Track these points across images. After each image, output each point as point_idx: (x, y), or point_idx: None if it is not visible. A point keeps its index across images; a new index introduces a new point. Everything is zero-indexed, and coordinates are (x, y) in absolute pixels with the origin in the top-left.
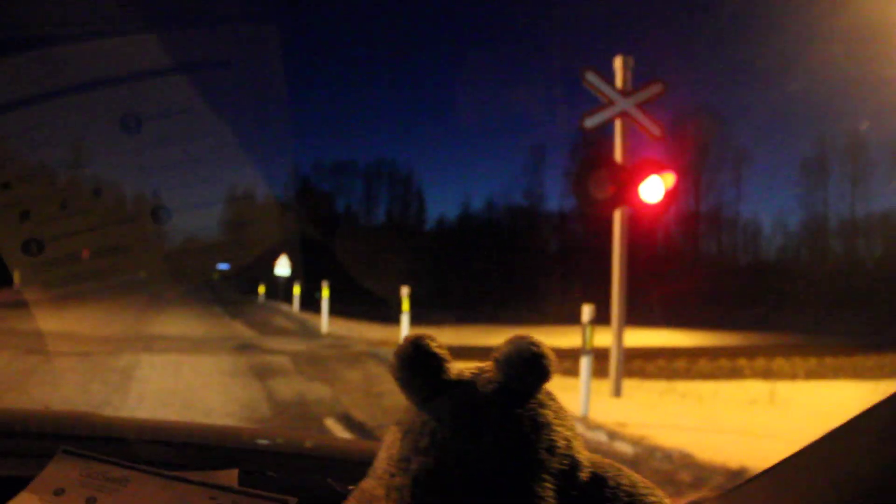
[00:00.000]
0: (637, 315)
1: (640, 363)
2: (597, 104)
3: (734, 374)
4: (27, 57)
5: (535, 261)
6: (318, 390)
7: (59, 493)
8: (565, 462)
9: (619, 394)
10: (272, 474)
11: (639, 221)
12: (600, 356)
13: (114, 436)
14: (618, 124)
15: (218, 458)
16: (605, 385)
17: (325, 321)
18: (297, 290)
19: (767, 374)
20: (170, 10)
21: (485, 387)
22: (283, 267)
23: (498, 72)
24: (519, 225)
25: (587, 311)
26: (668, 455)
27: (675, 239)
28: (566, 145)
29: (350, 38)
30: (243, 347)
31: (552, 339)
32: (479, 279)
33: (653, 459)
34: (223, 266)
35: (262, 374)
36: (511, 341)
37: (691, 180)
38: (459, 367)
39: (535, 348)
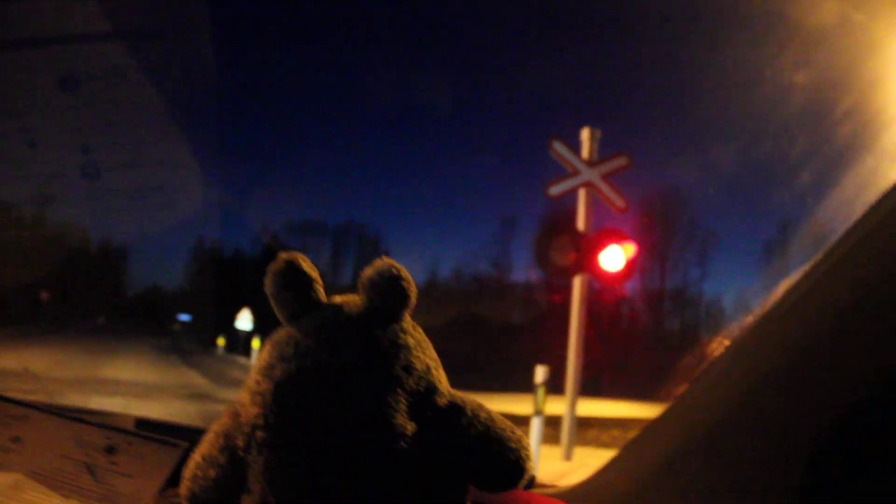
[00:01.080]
0: (595, 385)
1: (595, 432)
2: (564, 173)
3: None
4: None
5: (500, 328)
6: None
7: None
8: (422, 385)
9: (569, 458)
10: (166, 421)
11: (601, 293)
12: (554, 424)
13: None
14: (582, 194)
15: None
16: (557, 450)
17: None
18: (256, 343)
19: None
20: None
21: (350, 308)
22: (244, 321)
23: (470, 140)
24: (484, 294)
25: (540, 372)
26: None
27: (638, 314)
28: (535, 217)
29: (326, 99)
30: (195, 396)
31: (512, 405)
32: (442, 344)
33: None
34: (184, 317)
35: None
36: (373, 265)
37: (657, 257)
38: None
39: (394, 270)
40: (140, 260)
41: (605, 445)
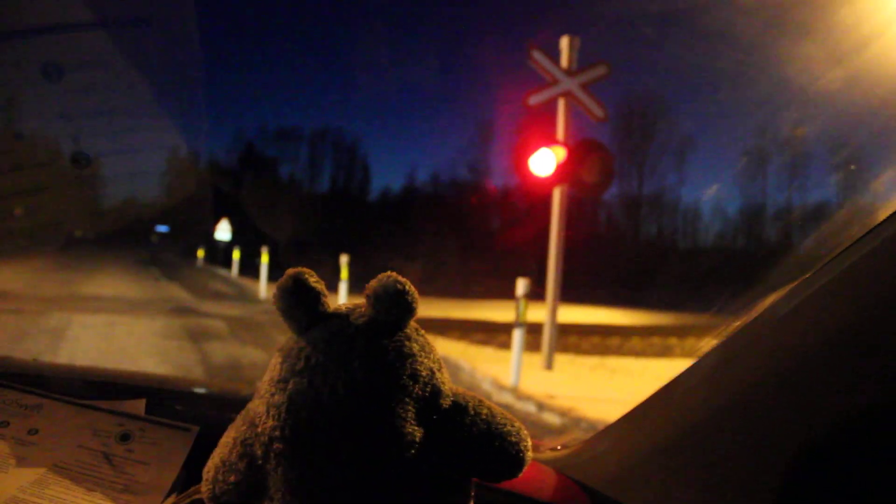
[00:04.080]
0: (575, 293)
1: (575, 339)
2: (543, 83)
3: (665, 351)
4: None
5: (479, 235)
6: (252, 355)
7: None
8: (427, 389)
9: (550, 367)
10: (179, 408)
11: (580, 201)
12: (536, 331)
13: (30, 373)
14: (561, 103)
15: (129, 393)
16: (538, 358)
17: (263, 287)
18: (236, 254)
19: (696, 352)
20: None
21: (357, 319)
22: (223, 231)
23: (448, 47)
24: (463, 199)
25: (521, 285)
26: (592, 425)
27: (616, 221)
28: (513, 121)
29: (300, 3)
30: (179, 310)
31: (490, 313)
32: (421, 251)
33: (577, 429)
34: (162, 228)
35: (198, 337)
36: (379, 279)
37: (634, 164)
38: (337, 302)
39: (398, 285)
40: (114, 171)
41: (586, 353)
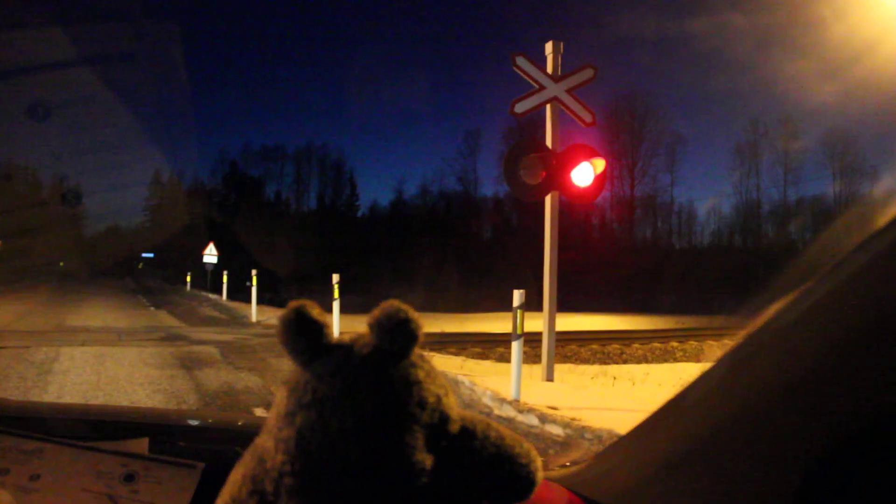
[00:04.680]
0: (572, 300)
1: (574, 347)
2: (529, 89)
3: (666, 356)
4: None
5: (470, 246)
6: (247, 380)
7: None
8: (436, 416)
9: (551, 378)
10: (182, 444)
11: (572, 207)
12: (534, 342)
13: (28, 416)
14: (549, 110)
15: (130, 432)
16: (538, 370)
17: (254, 310)
18: (225, 278)
19: (698, 356)
20: (75, 5)
21: (361, 349)
22: (210, 255)
23: (432, 55)
24: (453, 210)
25: (518, 296)
26: (597, 435)
27: (609, 225)
28: (501, 130)
29: (279, 22)
30: (169, 338)
31: (486, 325)
32: (412, 265)
33: (583, 440)
34: (148, 255)
35: (190, 364)
36: (382, 308)
37: (626, 166)
38: (340, 334)
39: (402, 314)
40: (96, 200)
41: (585, 361)
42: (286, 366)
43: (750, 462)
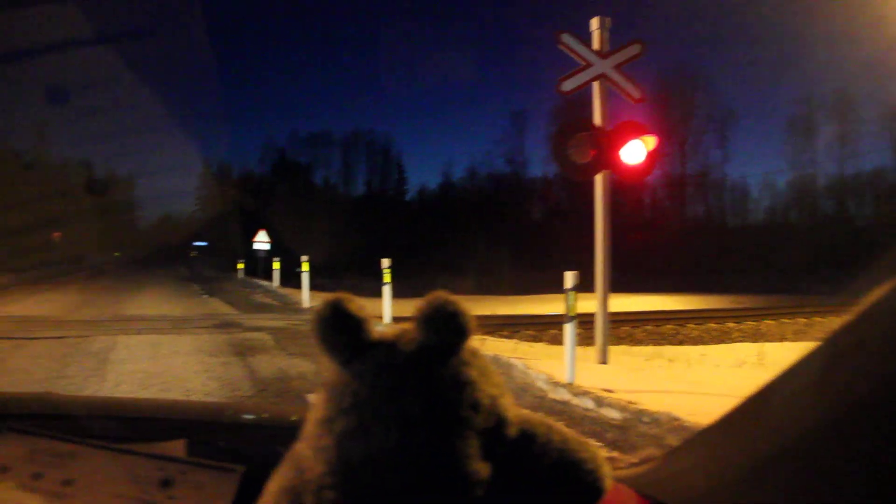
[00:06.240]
0: (625, 281)
1: (628, 329)
2: (575, 67)
3: (723, 336)
4: None
5: (521, 228)
6: (300, 366)
7: (2, 470)
8: (491, 419)
9: (605, 360)
10: (222, 443)
11: (623, 186)
12: (587, 323)
13: (62, 413)
14: (596, 87)
15: (168, 431)
16: (592, 352)
17: (306, 296)
18: (276, 265)
19: (756, 336)
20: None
21: (406, 346)
22: (261, 242)
23: (476, 36)
24: (502, 192)
25: (570, 278)
26: (655, 419)
27: (661, 203)
28: (548, 110)
29: (325, 7)
30: (223, 325)
31: (538, 307)
32: (462, 248)
33: (640, 424)
34: (200, 243)
35: (243, 351)
36: (427, 300)
37: (676, 143)
38: (382, 329)
39: (450, 306)
40: (149, 190)
41: (640, 342)
42: None
43: (853, 466)
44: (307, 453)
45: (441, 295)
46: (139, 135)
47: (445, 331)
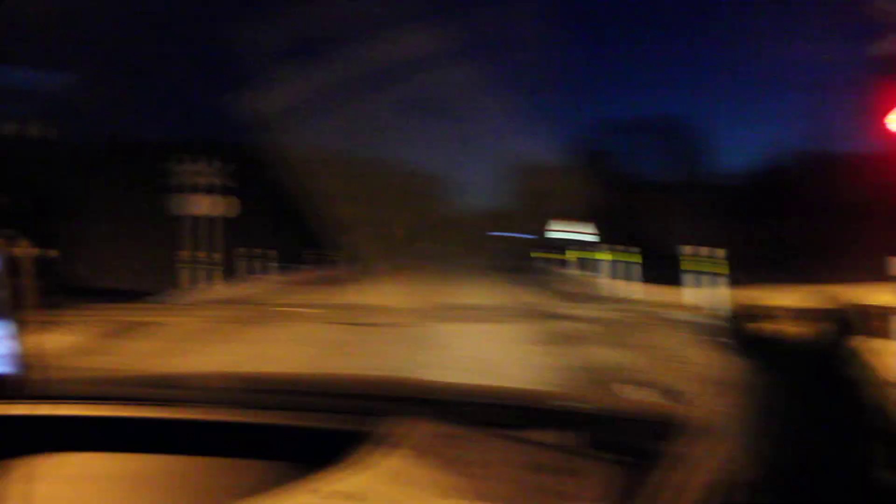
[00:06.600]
0: None
1: None
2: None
3: None
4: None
5: (836, 210)
6: (619, 357)
7: (422, 452)
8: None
9: None
10: (602, 435)
11: None
12: None
13: (431, 398)
14: None
15: (556, 421)
16: None
17: (630, 288)
18: (601, 256)
19: None
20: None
21: (811, 345)
22: (587, 234)
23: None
24: (813, 173)
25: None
26: None
27: None
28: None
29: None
30: (539, 315)
31: (864, 295)
32: (791, 232)
33: None
34: (497, 234)
35: (562, 340)
36: (830, 297)
37: None
38: (778, 328)
39: (852, 306)
40: (450, 184)
41: None
42: (667, 343)
43: None
44: (733, 453)
45: (834, 290)
46: (471, 140)
47: (847, 331)
